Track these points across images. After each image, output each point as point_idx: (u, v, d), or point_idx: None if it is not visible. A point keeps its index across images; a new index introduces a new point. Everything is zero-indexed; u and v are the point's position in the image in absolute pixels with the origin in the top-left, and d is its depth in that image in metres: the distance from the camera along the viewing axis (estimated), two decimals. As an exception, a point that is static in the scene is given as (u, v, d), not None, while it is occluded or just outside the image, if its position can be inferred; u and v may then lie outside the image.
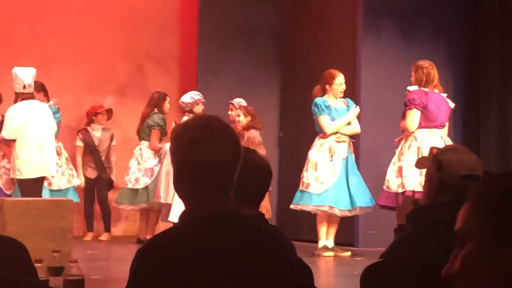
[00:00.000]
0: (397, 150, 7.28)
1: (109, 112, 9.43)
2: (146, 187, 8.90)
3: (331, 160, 7.70)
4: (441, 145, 6.24)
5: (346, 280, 6.23)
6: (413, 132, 7.15)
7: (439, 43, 8.73)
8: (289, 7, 9.82)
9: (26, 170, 7.60)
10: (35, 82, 7.85)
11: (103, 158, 9.35)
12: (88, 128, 9.39)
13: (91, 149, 9.32)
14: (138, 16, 9.96)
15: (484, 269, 1.33)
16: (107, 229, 9.29)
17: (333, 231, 7.82)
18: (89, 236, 9.23)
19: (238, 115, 8.17)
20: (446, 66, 8.57)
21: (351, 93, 7.97)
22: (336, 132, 7.76)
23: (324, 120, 7.73)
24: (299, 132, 8.43)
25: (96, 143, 9.35)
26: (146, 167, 8.92)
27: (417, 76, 7.26)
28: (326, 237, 7.79)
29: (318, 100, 7.81)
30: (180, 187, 2.13)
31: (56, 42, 9.64)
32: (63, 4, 9.76)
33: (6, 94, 8.52)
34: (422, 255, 2.34)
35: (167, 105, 9.09)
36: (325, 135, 7.77)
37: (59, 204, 6.42)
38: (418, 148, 7.05)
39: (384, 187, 7.24)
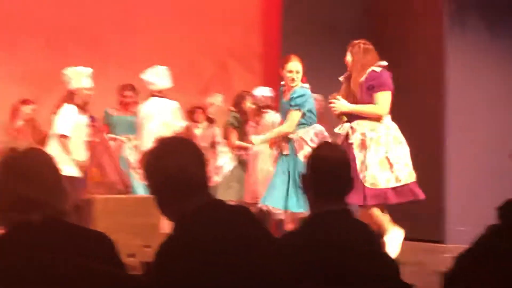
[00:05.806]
0: None
1: (205, 110, 9.41)
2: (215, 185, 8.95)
3: None
4: None
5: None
6: None
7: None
8: (373, 2, 9.74)
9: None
10: (127, 84, 8.12)
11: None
12: (190, 126, 9.47)
13: None
14: (221, 14, 10.05)
15: None
16: None
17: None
18: None
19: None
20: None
21: (437, 89, 7.85)
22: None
23: None
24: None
25: (197, 142, 9.36)
26: (216, 165, 8.95)
27: None
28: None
29: None
30: (173, 203, 2.51)
31: (140, 44, 9.81)
32: (145, 6, 9.93)
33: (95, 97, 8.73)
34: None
35: (246, 104, 9.04)
36: None
37: (148, 201, 6.52)
38: None
39: None
